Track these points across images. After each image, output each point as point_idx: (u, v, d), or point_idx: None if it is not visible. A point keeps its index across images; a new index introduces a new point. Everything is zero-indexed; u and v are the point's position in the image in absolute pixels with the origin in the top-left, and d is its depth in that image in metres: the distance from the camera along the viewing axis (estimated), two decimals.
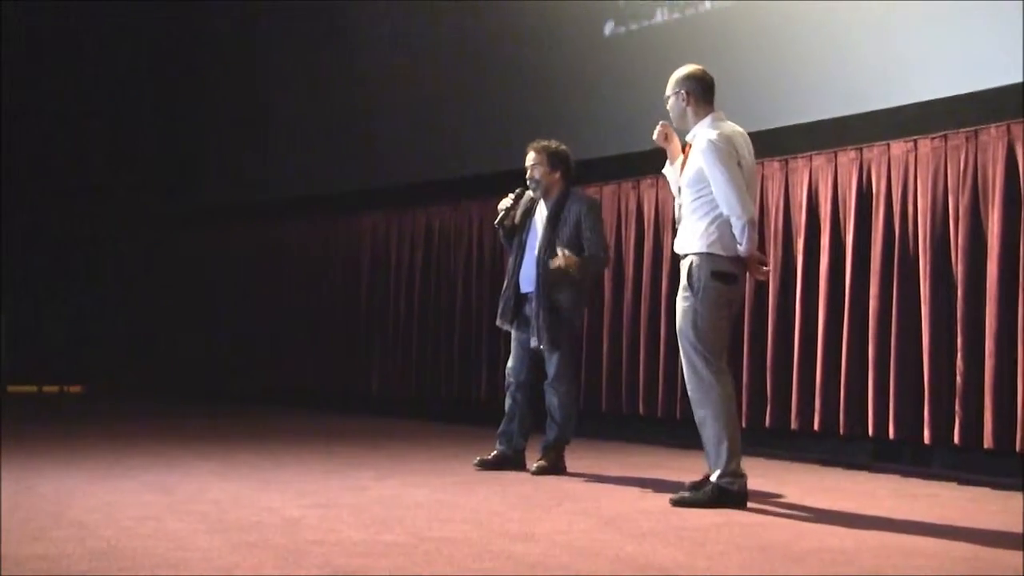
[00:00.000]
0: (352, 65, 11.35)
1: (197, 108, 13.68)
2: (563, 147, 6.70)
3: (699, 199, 5.37)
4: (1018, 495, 5.89)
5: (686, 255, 5.42)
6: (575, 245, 6.51)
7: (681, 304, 5.39)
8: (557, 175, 6.65)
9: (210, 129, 13.50)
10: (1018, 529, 4.85)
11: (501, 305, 6.77)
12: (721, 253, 5.32)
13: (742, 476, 5.31)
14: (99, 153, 14.07)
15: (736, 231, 5.31)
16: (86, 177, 13.91)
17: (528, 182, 6.69)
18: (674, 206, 5.69)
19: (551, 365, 6.57)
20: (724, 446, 5.26)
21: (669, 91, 5.54)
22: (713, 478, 5.30)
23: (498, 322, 6.83)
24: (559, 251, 6.42)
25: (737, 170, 5.34)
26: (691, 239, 5.40)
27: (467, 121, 10.10)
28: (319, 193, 11.70)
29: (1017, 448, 6.22)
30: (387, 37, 10.91)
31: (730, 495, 5.26)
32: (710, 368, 5.32)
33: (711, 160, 5.31)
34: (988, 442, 6.35)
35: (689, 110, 5.47)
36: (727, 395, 5.34)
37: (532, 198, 6.74)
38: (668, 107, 5.56)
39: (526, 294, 6.65)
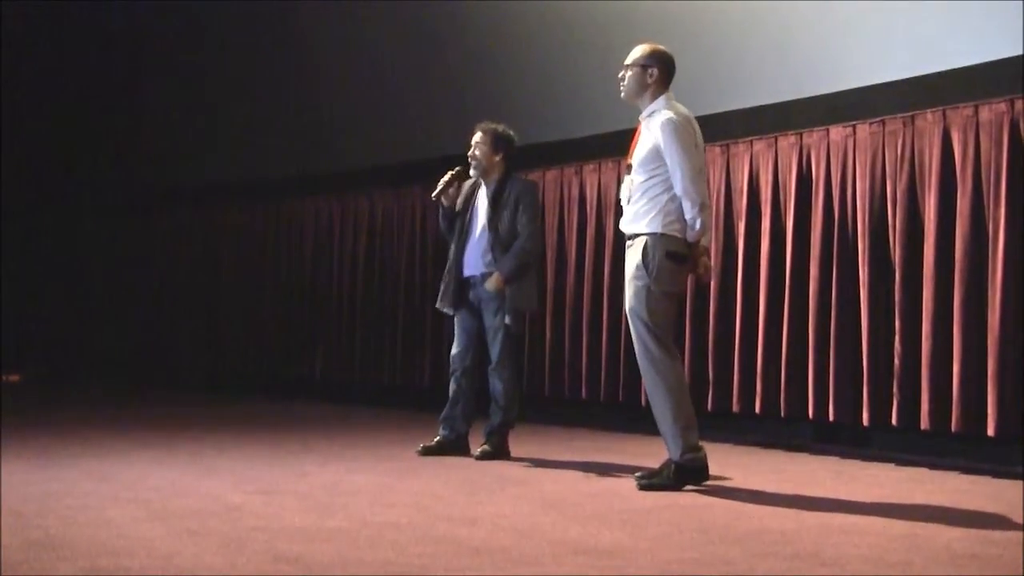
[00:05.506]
0: (297, 50, 11.26)
1: (139, 93, 13.51)
2: (509, 131, 6.72)
3: (653, 178, 5.32)
4: (954, 475, 5.99)
5: (638, 235, 5.35)
6: (513, 230, 6.55)
7: (634, 284, 5.31)
8: (498, 157, 6.66)
9: (151, 114, 13.34)
10: (953, 508, 4.92)
11: (441, 289, 6.77)
12: (676, 234, 5.29)
13: (700, 450, 5.33)
14: (33, 139, 13.86)
15: (687, 214, 5.27)
16: (20, 164, 13.70)
17: (470, 160, 6.70)
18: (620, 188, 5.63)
19: (494, 350, 6.58)
20: (681, 424, 5.27)
21: (632, 62, 5.44)
22: (674, 458, 5.31)
23: (438, 305, 6.83)
24: (492, 275, 6.49)
25: (694, 151, 5.33)
26: (644, 219, 5.33)
27: (410, 106, 10.06)
28: (261, 178, 11.62)
29: (953, 429, 6.31)
30: (332, 21, 10.84)
31: (691, 472, 5.28)
32: (662, 347, 5.30)
33: (670, 138, 5.26)
34: (925, 423, 6.44)
35: (651, 87, 5.41)
36: (679, 372, 5.35)
37: (474, 185, 6.74)
38: (627, 76, 5.44)
39: (469, 278, 6.65)
